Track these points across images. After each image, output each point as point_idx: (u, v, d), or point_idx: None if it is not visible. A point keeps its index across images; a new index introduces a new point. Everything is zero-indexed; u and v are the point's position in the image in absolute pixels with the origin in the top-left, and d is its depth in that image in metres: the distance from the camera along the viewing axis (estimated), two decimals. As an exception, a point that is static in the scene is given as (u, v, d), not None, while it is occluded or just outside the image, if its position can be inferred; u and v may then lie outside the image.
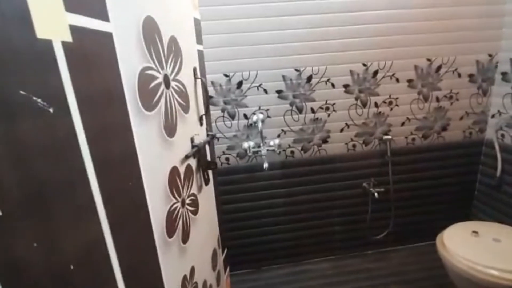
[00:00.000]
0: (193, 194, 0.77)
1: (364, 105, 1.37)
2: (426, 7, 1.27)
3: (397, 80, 1.36)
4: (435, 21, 1.30)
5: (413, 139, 1.46)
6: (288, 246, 1.53)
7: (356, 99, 1.36)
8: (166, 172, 0.60)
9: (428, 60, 1.35)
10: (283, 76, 1.28)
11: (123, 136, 0.45)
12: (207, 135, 0.95)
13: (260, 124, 1.28)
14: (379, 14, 1.25)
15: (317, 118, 1.35)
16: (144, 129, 0.50)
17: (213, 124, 1.30)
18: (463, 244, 1.05)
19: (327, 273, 1.49)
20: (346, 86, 1.33)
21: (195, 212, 0.78)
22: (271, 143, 1.32)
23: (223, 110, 1.30)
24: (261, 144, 1.28)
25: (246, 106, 1.31)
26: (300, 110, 1.33)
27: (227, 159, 1.35)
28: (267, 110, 1.32)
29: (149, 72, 0.53)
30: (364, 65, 1.31)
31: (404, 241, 1.65)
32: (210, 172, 0.93)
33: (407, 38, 1.30)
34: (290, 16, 1.21)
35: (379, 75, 1.34)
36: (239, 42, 1.21)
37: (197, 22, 0.90)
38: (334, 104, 1.35)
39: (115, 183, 0.42)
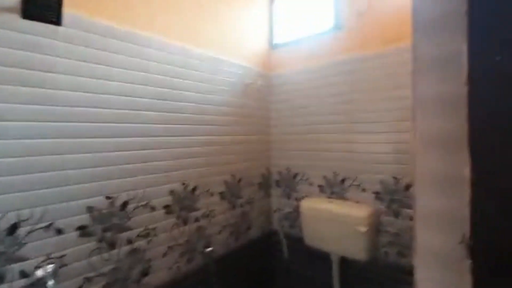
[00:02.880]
0: None
1: (186, 222, 1.35)
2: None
3: (211, 194, 1.49)
4: (236, 146, 1.63)
5: (229, 244, 1.60)
6: None
7: (178, 218, 1.32)
8: None
9: (232, 175, 1.62)
10: None
11: None
12: None
13: (51, 283, 0.87)
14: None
15: (134, 250, 1.14)
16: None
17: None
18: None
19: None
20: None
21: None
22: (67, 301, 0.93)
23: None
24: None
25: (25, 259, 0.87)
26: (112, 246, 1.08)
27: None
28: (61, 257, 0.95)
29: None
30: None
31: None
32: None
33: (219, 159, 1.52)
34: None
35: (197, 192, 1.41)
36: None
37: None
38: (155, 228, 1.22)
39: None
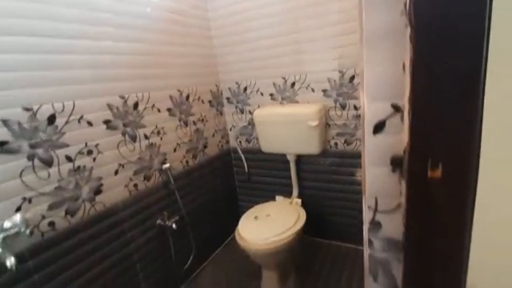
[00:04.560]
0: None
1: (134, 139, 1.25)
2: (166, 45, 1.40)
3: (159, 110, 1.38)
4: (178, 59, 1.47)
5: (187, 162, 1.57)
6: None
7: (124, 134, 1.21)
8: None
9: (179, 90, 1.50)
10: None
11: None
12: None
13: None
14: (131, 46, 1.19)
15: (78, 168, 1.04)
16: None
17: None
18: (251, 229, 1.28)
19: None
20: (107, 122, 1.14)
21: None
22: (7, 224, 0.82)
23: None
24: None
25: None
26: (49, 164, 0.95)
27: None
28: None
29: None
30: (122, 97, 1.20)
31: (207, 255, 1.74)
32: None
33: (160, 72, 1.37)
34: None
35: (140, 107, 1.28)
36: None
37: None
38: (97, 145, 1.10)
39: None
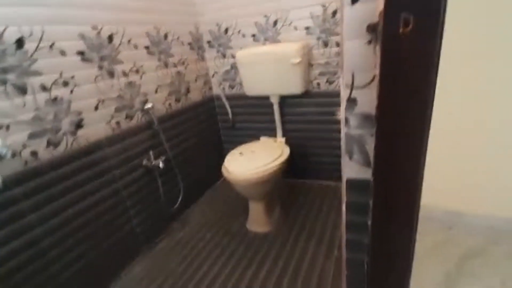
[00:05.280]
0: None
1: (112, 75, 1.21)
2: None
3: (135, 46, 1.32)
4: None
5: (170, 105, 1.55)
6: (85, 267, 1.12)
7: (100, 68, 1.16)
8: None
9: (155, 28, 1.43)
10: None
11: None
12: None
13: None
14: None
15: (55, 99, 1.00)
16: None
17: None
18: (236, 163, 1.33)
19: (147, 271, 1.30)
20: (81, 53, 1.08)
21: None
22: (-13, 149, 0.81)
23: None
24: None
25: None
26: (23, 91, 0.91)
27: None
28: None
29: None
30: (95, 28, 1.13)
31: (195, 198, 1.80)
32: None
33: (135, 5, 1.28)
34: None
35: (116, 41, 1.22)
36: None
37: None
38: (73, 77, 1.06)
39: None
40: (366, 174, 0.57)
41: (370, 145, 0.55)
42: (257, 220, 1.46)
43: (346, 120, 0.54)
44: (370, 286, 0.66)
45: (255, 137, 1.87)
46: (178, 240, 1.49)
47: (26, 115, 0.92)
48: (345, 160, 0.58)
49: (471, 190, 1.34)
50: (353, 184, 0.59)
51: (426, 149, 0.50)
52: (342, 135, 0.56)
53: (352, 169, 0.58)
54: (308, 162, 1.83)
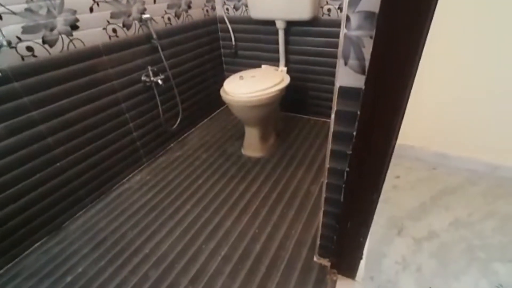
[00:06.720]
0: None
1: (106, -26, 1.11)
2: None
3: None
4: None
5: (169, 19, 1.46)
6: (90, 179, 1.23)
7: (93, -37, 1.06)
8: None
9: None
10: None
11: None
12: None
13: None
14: None
15: (47, -8, 0.94)
16: None
17: None
18: (235, 86, 1.32)
19: (146, 179, 1.41)
20: None
21: None
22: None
23: None
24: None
25: None
26: (10, -23, 0.84)
27: None
28: None
29: None
30: None
31: (194, 123, 1.85)
32: None
33: None
34: None
35: None
36: None
37: None
38: (64, -31, 0.97)
39: None
40: (359, 82, 0.57)
41: (367, 48, 0.54)
42: (252, 146, 1.53)
43: (347, 19, 0.52)
44: (347, 192, 0.73)
45: (257, 66, 1.82)
46: (176, 157, 1.58)
47: (18, 6, 0.87)
48: (340, 66, 0.58)
49: (457, 134, 1.38)
50: (345, 92, 0.60)
51: (421, 54, 0.50)
52: (341, 37, 0.55)
53: (346, 75, 0.58)
54: (307, 97, 1.82)
